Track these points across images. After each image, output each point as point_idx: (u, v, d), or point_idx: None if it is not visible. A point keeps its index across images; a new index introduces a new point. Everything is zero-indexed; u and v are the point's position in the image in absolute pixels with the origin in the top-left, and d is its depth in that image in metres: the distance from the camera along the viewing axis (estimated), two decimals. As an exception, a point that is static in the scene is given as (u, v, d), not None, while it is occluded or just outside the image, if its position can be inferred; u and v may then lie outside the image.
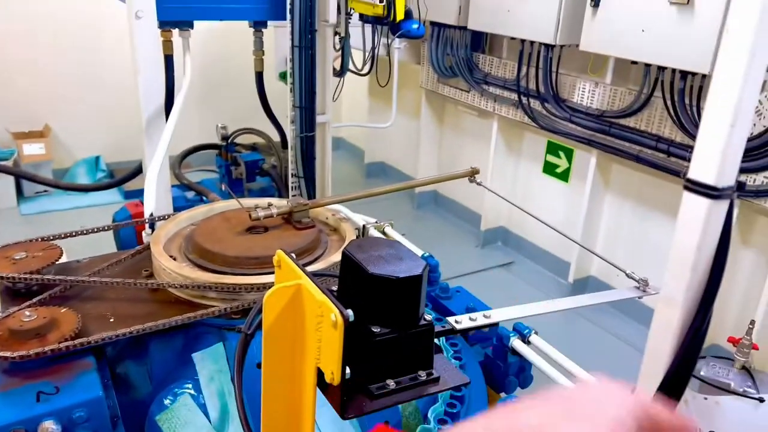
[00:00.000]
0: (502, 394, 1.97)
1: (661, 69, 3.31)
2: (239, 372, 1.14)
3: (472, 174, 1.99)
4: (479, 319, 1.30)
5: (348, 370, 0.94)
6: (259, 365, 1.36)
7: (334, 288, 1.18)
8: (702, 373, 2.66)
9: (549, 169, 4.96)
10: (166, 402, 1.43)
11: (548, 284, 4.92)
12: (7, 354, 1.21)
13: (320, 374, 0.97)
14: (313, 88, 3.18)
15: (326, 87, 3.33)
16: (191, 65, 2.94)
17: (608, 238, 4.57)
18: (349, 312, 0.91)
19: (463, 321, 1.26)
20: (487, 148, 5.32)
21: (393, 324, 1.04)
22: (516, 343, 1.92)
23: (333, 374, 0.94)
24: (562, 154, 4.78)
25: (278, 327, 1.03)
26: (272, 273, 1.49)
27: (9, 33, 5.69)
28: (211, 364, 1.48)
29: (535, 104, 4.42)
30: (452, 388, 1.10)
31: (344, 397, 1.01)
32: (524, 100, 4.43)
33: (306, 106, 3.20)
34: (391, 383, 1.05)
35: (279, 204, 1.77)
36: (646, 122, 3.74)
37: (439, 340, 1.87)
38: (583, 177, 4.49)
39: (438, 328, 1.25)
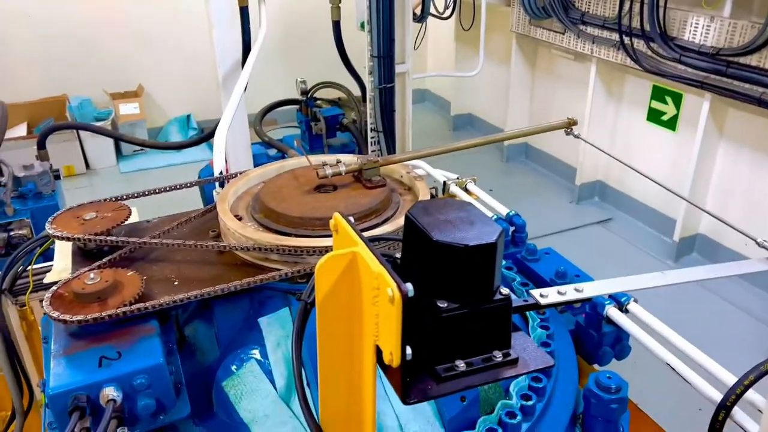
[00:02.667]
0: (596, 366, 1.79)
1: (794, -5, 2.85)
2: (298, 343, 1.05)
3: (568, 126, 1.77)
4: (569, 293, 1.12)
5: (409, 351, 0.82)
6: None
7: (398, 254, 1.05)
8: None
9: (654, 116, 4.53)
10: (233, 368, 1.39)
11: (650, 242, 4.56)
12: (66, 317, 1.19)
13: (381, 352, 0.86)
14: (391, 35, 3.01)
15: (406, 34, 3.15)
16: (267, 16, 2.84)
17: (721, 193, 4.13)
18: (409, 286, 0.78)
19: (549, 295, 1.10)
20: (583, 95, 4.94)
21: (462, 298, 0.90)
22: (612, 311, 1.73)
23: (392, 355, 0.82)
24: (669, 99, 4.33)
25: (332, 298, 0.92)
26: (337, 234, 1.38)
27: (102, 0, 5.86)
28: (277, 329, 1.42)
29: (639, 44, 4.00)
30: (533, 371, 0.96)
31: (406, 379, 0.89)
32: (626, 40, 4.02)
33: (384, 55, 3.04)
34: (461, 364, 0.92)
35: (348, 161, 1.66)
36: (771, 59, 3.28)
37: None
38: (693, 124, 4.05)
39: (518, 302, 1.11)
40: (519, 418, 1.40)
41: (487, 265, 0.90)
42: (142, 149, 6.00)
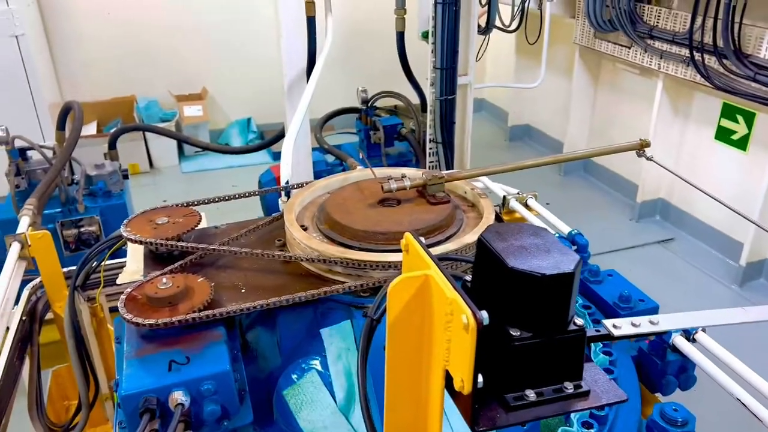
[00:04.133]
0: (658, 396, 1.74)
1: None
2: (363, 361, 1.05)
3: (640, 147, 1.72)
4: (643, 325, 1.09)
5: (480, 379, 0.81)
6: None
7: (468, 277, 1.04)
8: None
9: (723, 135, 4.36)
10: (294, 377, 1.41)
11: (714, 265, 4.38)
12: (139, 320, 1.23)
13: (449, 376, 0.86)
14: (455, 47, 3.00)
15: (470, 45, 3.14)
16: (333, 27, 2.89)
17: (794, 217, 3.94)
18: (484, 314, 0.77)
19: (622, 326, 1.07)
20: (648, 110, 4.80)
21: (536, 327, 0.89)
22: (678, 340, 1.67)
23: (463, 382, 0.81)
24: (740, 118, 4.17)
25: (403, 320, 0.92)
26: (401, 251, 1.39)
27: (169, 3, 6.06)
28: (339, 341, 1.43)
29: (710, 60, 3.87)
30: (605, 405, 0.94)
31: (476, 406, 0.88)
32: (697, 55, 3.89)
33: (447, 66, 3.04)
34: (531, 394, 0.90)
35: (413, 176, 1.66)
36: None
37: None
38: (765, 145, 3.88)
39: (590, 332, 1.08)
40: (580, 446, 1.37)
41: (563, 295, 0.88)
42: (203, 150, 6.18)
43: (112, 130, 3.82)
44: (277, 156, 5.77)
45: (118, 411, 1.29)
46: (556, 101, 6.12)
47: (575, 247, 1.96)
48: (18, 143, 2.92)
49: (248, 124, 6.64)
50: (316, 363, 1.42)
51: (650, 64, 4.61)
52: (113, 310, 2.24)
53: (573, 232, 1.95)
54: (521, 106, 6.78)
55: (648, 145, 1.72)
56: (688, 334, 1.68)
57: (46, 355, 2.13)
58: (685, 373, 1.75)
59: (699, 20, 3.80)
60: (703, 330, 1.69)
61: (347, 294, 1.41)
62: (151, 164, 6.09)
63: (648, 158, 1.74)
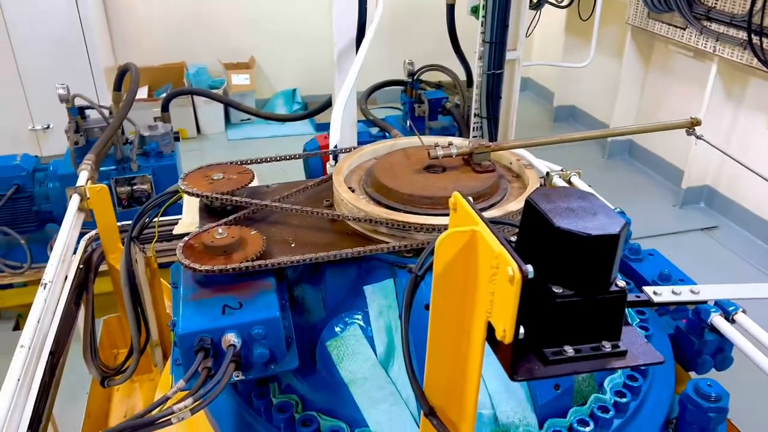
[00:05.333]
0: (692, 374, 1.75)
1: None
2: (407, 312, 1.10)
3: (691, 125, 1.70)
4: (684, 293, 1.11)
5: (522, 330, 0.85)
6: (427, 307, 1.32)
7: (513, 238, 1.08)
8: None
9: (777, 122, 4.23)
10: (337, 329, 1.47)
11: (759, 255, 4.29)
12: (196, 266, 1.30)
13: (490, 329, 0.90)
14: (506, 22, 2.98)
15: (520, 20, 3.11)
16: (383, -2, 2.90)
17: None
18: (529, 267, 0.81)
19: (663, 293, 1.09)
20: (699, 95, 4.68)
21: (578, 286, 0.92)
22: (717, 319, 1.68)
23: (505, 332, 0.85)
24: (797, 105, 4.04)
25: (449, 273, 0.96)
26: (445, 215, 1.43)
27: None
28: (381, 298, 1.48)
29: (770, 44, 3.74)
30: (642, 365, 0.97)
31: (515, 357, 0.93)
32: (755, 39, 3.77)
33: (497, 41, 3.02)
34: (570, 350, 0.94)
35: (460, 144, 1.69)
36: None
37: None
38: (822, 134, 3.76)
39: (631, 297, 1.11)
40: (612, 413, 1.40)
41: (607, 256, 0.91)
42: (249, 119, 6.29)
43: (165, 93, 3.93)
44: (320, 127, 5.84)
45: (174, 349, 1.38)
46: (604, 82, 6.00)
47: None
48: (78, 102, 3.05)
49: (293, 94, 6.71)
50: (359, 318, 1.48)
51: (705, 47, 4.48)
52: (163, 266, 2.35)
53: (616, 210, 1.95)
54: (568, 86, 6.67)
55: (699, 123, 1.70)
56: (728, 315, 1.69)
57: (98, 306, 2.25)
58: (722, 353, 1.75)
59: (759, 3, 3.67)
60: (744, 311, 1.69)
61: (391, 254, 1.46)
62: (198, 130, 6.23)
63: (698, 137, 1.73)
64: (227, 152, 5.85)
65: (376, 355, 1.43)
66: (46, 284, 1.85)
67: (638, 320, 1.70)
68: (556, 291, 0.92)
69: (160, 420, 1.13)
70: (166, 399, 1.18)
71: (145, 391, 2.66)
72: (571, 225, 0.91)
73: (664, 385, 1.59)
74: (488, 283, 0.88)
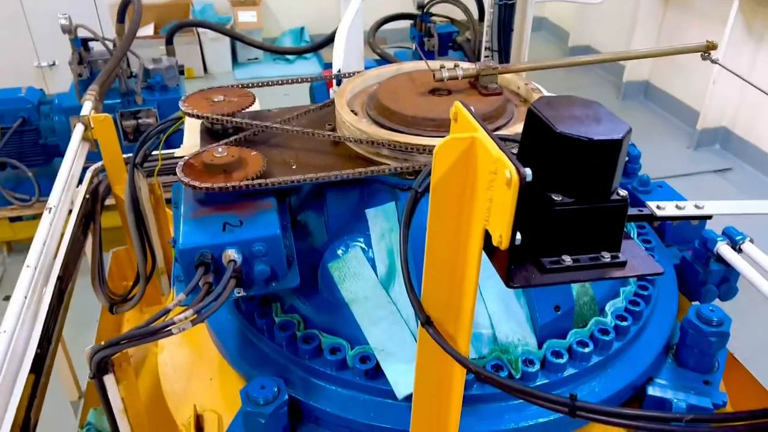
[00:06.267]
0: (695, 303, 1.74)
1: None
2: (405, 230, 1.09)
3: (706, 50, 1.63)
4: (688, 208, 1.09)
5: (519, 236, 0.84)
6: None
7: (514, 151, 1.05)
8: None
9: (799, 59, 4.09)
10: (339, 252, 1.47)
11: (771, 196, 4.23)
12: (196, 183, 1.30)
13: (488, 238, 0.89)
14: (519, -51, 2.86)
15: (535, -52, 2.97)
16: None
17: None
18: (527, 171, 0.79)
19: (666, 207, 1.07)
20: (719, 32, 4.52)
21: (579, 194, 0.90)
22: (723, 248, 1.66)
23: (501, 237, 0.84)
24: (821, 40, 3.89)
25: (447, 181, 0.94)
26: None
27: None
28: (383, 221, 1.48)
29: (796, -25, 3.58)
30: (641, 275, 0.96)
31: (511, 265, 0.92)
32: (782, -31, 3.60)
33: (510, -30, 2.90)
34: (568, 259, 0.93)
35: (466, 66, 1.64)
36: None
37: (629, 231, 1.68)
38: None
39: (633, 211, 1.09)
40: (612, 335, 1.41)
41: (609, 163, 0.89)
42: (256, 58, 6.19)
43: (172, 25, 3.85)
44: (327, 66, 5.73)
45: (175, 265, 1.39)
46: (621, 21, 5.81)
47: (626, 159, 1.93)
48: (81, 34, 3.00)
49: (301, 33, 6.57)
50: (361, 241, 1.48)
51: (728, -19, 4.30)
52: (167, 201, 2.35)
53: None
54: (583, 25, 6.47)
55: (715, 47, 1.64)
56: (735, 244, 1.67)
57: (107, 239, 2.27)
58: (727, 283, 1.74)
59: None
60: (751, 240, 1.67)
61: (393, 176, 1.45)
62: (205, 69, 6.16)
63: (713, 61, 1.66)
64: (235, 92, 5.80)
65: (377, 276, 1.43)
66: (50, 209, 1.86)
67: (644, 249, 1.69)
68: (555, 198, 0.90)
69: (162, 330, 1.15)
70: (167, 311, 1.19)
71: (155, 322, 2.71)
72: (572, 130, 0.88)
73: (666, 311, 1.59)
74: (486, 189, 0.87)
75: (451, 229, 0.95)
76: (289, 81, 1.88)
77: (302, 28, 6.53)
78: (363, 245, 1.47)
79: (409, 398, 1.28)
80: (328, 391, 1.35)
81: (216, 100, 1.63)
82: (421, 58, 1.81)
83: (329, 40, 3.58)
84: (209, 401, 1.55)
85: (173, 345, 1.75)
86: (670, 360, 1.50)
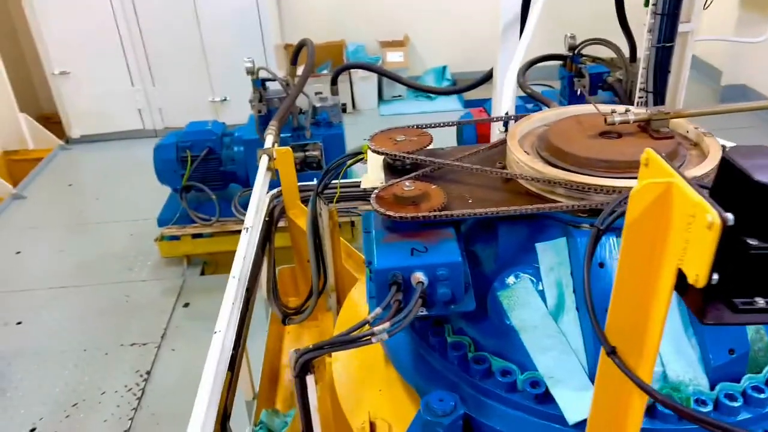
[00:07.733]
0: None
1: None
2: (589, 261, 1.18)
3: None
4: None
5: (716, 276, 0.91)
6: (601, 265, 1.39)
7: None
8: None
9: None
10: (508, 281, 1.58)
11: None
12: (391, 213, 1.47)
13: (678, 277, 0.96)
14: (681, -8, 2.86)
15: (697, -9, 2.96)
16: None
17: None
18: (730, 216, 0.86)
19: None
20: None
21: (775, 240, 0.95)
22: None
23: (698, 276, 0.91)
24: None
25: (642, 222, 1.03)
26: (623, 177, 1.48)
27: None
28: (552, 255, 1.56)
29: None
30: (837, 322, 0.97)
31: (705, 302, 0.98)
32: None
33: (669, 12, 2.90)
34: (761, 301, 0.97)
35: (637, 111, 1.70)
36: None
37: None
38: None
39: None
40: (790, 384, 1.38)
41: (808, 212, 0.93)
42: (400, 95, 6.51)
43: (326, 70, 4.21)
44: (468, 104, 5.91)
45: (369, 284, 1.57)
46: (784, 59, 5.46)
47: None
48: (261, 74, 3.39)
49: (443, 71, 6.83)
50: (529, 273, 1.58)
51: None
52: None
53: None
54: (739, 64, 6.14)
55: None
56: None
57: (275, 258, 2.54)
58: None
59: None
60: None
61: (566, 213, 1.53)
62: (354, 106, 6.58)
63: None
64: (380, 126, 6.01)
65: (546, 307, 1.52)
66: (247, 228, 2.14)
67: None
68: (751, 243, 0.95)
69: (363, 338, 1.32)
70: (365, 322, 1.36)
71: (311, 336, 2.96)
72: (769, 179, 0.94)
73: None
74: (683, 231, 0.94)
75: (643, 267, 1.03)
76: (454, 123, 2.04)
77: (444, 67, 6.79)
78: (532, 277, 1.57)
79: (578, 424, 1.35)
80: (499, 410, 1.44)
81: (398, 139, 1.81)
82: (588, 101, 1.89)
83: (479, 82, 3.75)
84: (379, 410, 1.70)
85: (345, 356, 1.93)
86: None
